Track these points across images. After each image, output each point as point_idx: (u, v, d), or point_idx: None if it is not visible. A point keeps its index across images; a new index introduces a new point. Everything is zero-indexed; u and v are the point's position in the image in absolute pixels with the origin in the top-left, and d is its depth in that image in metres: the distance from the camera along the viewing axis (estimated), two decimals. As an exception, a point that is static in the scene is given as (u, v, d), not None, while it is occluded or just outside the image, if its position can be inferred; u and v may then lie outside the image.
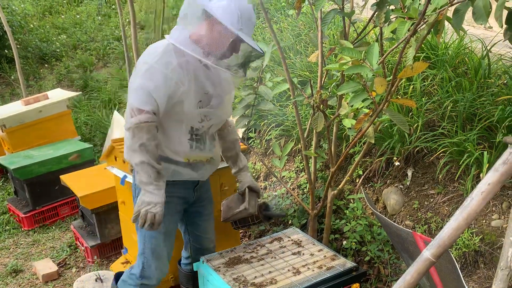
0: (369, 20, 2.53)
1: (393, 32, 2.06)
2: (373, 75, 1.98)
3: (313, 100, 2.49)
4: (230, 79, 2.19)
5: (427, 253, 1.76)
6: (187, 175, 2.18)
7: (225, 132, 2.43)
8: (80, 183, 3.34)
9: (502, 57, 3.24)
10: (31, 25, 8.58)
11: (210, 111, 2.15)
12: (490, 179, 1.66)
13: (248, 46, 2.02)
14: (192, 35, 2.01)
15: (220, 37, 1.98)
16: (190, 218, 2.41)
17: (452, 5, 1.78)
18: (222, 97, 2.20)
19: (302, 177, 3.60)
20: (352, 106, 2.42)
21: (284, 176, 3.72)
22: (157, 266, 2.21)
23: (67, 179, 3.45)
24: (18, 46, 7.63)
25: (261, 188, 3.87)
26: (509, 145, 1.71)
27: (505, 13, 1.60)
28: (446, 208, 2.77)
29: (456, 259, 2.54)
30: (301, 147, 3.13)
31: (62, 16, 8.96)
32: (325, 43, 3.84)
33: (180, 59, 2.02)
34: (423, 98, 3.11)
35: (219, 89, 2.19)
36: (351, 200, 3.14)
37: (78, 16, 8.87)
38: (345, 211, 3.10)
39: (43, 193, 4.03)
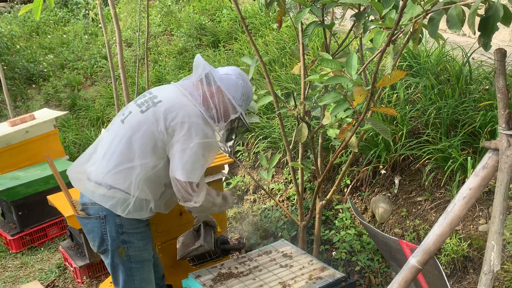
0: (349, 31, 2.56)
1: (372, 41, 2.09)
2: (353, 85, 2.00)
3: (297, 111, 2.51)
4: None
5: (413, 260, 1.76)
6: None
7: None
8: (67, 203, 3.30)
9: (482, 63, 3.29)
10: (18, 46, 8.57)
11: None
12: (471, 184, 1.68)
13: (242, 122, 2.17)
14: (203, 97, 2.09)
15: (225, 107, 2.09)
16: None
17: (427, 14, 1.82)
18: None
19: (291, 188, 3.60)
20: (335, 116, 2.44)
21: (273, 189, 3.71)
22: None
23: (54, 199, 3.40)
24: (5, 67, 7.61)
25: (251, 201, 3.87)
26: (488, 149, 1.73)
27: (477, 20, 1.62)
28: (434, 214, 2.78)
29: (445, 265, 2.54)
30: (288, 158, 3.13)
31: (49, 36, 8.96)
32: (308, 55, 3.88)
33: None
34: (407, 106, 3.15)
35: None
36: (340, 210, 3.14)
37: (65, 36, 8.89)
38: (334, 221, 3.10)
39: (31, 215, 3.98)
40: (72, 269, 3.43)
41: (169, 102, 2.04)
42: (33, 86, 7.87)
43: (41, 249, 3.95)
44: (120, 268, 2.15)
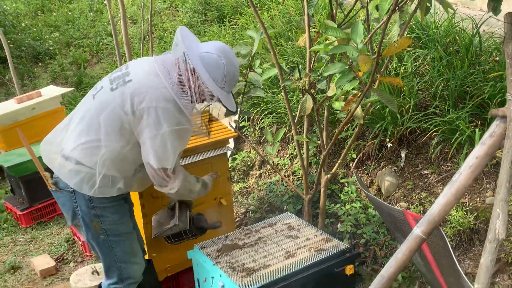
0: (356, 0, 2.50)
1: (377, 8, 2.04)
2: (358, 54, 1.96)
3: (301, 83, 2.48)
4: None
5: (418, 230, 1.75)
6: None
7: None
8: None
9: (493, 34, 3.21)
10: (23, 24, 8.54)
11: None
12: (477, 152, 1.65)
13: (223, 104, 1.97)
14: (179, 78, 1.93)
15: (201, 91, 1.93)
16: None
17: (435, -21, 1.76)
18: None
19: (296, 163, 3.59)
20: (341, 88, 2.41)
21: (278, 164, 3.71)
22: (135, 262, 2.19)
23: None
24: (11, 45, 7.60)
25: (256, 177, 3.87)
26: (496, 118, 1.70)
27: (487, -17, 1.57)
28: (440, 187, 2.76)
29: (451, 238, 2.54)
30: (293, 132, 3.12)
31: (54, 14, 8.92)
32: (314, 27, 3.82)
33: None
34: (415, 79, 3.09)
35: None
36: (346, 184, 3.13)
37: (70, 13, 8.83)
38: (339, 195, 3.09)
39: (40, 190, 4.02)
40: (80, 243, 3.48)
41: (139, 83, 1.90)
42: (40, 64, 7.87)
43: (50, 224, 4.01)
44: (97, 241, 2.10)
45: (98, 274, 2.82)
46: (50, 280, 3.18)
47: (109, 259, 2.14)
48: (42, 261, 3.31)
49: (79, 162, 1.97)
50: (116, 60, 6.88)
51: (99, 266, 2.90)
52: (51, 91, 4.83)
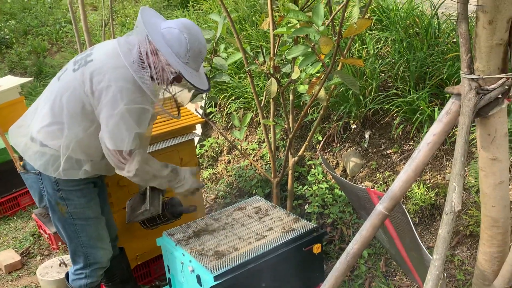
0: (317, -17, 2.51)
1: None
2: (320, 36, 1.98)
3: (266, 67, 2.48)
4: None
5: (380, 207, 1.81)
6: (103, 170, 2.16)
7: None
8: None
9: (450, 16, 3.30)
10: (-24, 12, 8.17)
11: None
12: (435, 130, 1.71)
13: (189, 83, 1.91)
14: (140, 56, 1.87)
15: (161, 66, 1.87)
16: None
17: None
18: None
19: (264, 147, 3.62)
20: (305, 71, 2.43)
21: (247, 148, 3.72)
22: (101, 247, 2.18)
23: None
24: (-36, 34, 7.26)
25: (225, 162, 3.87)
26: (451, 95, 1.77)
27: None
28: (403, 166, 2.84)
29: (413, 214, 2.63)
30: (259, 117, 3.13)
31: (9, 1, 8.55)
32: (278, 11, 3.82)
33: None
34: (377, 61, 3.15)
35: None
36: (312, 166, 3.18)
37: (26, 0, 8.49)
38: (306, 177, 3.14)
39: (1, 184, 3.90)
40: (46, 236, 3.40)
41: (99, 63, 1.88)
42: (-4, 54, 7.56)
43: (14, 218, 3.90)
44: (63, 224, 2.11)
45: (66, 266, 2.77)
46: (16, 275, 3.11)
47: (75, 243, 2.13)
48: (7, 256, 3.23)
49: (43, 144, 1.96)
50: (77, 48, 6.69)
51: (67, 257, 2.86)
52: (8, 82, 4.65)
